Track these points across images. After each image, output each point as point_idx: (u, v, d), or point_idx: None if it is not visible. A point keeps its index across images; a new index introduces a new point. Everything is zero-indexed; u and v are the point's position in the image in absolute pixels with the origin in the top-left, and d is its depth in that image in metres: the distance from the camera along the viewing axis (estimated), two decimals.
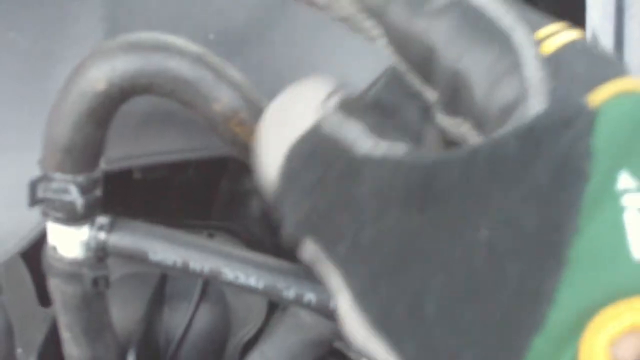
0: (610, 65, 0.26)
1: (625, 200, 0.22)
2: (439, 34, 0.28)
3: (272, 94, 0.44)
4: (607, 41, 0.79)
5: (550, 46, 0.26)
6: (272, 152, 0.28)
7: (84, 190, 0.44)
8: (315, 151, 0.26)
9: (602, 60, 0.26)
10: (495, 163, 0.24)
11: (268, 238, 0.67)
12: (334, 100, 0.28)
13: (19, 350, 0.61)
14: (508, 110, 0.26)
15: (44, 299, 0.59)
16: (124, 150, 0.52)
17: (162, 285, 0.63)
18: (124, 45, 0.41)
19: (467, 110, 0.28)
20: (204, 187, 0.71)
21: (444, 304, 0.23)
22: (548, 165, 0.23)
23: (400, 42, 0.29)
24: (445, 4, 0.28)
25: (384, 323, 0.24)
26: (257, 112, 0.41)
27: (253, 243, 0.66)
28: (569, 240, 0.22)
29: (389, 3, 0.29)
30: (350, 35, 0.35)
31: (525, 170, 0.23)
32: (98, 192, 0.45)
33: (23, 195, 0.45)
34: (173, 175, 0.71)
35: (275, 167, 0.27)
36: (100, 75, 0.41)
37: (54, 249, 0.47)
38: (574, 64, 0.26)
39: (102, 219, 0.46)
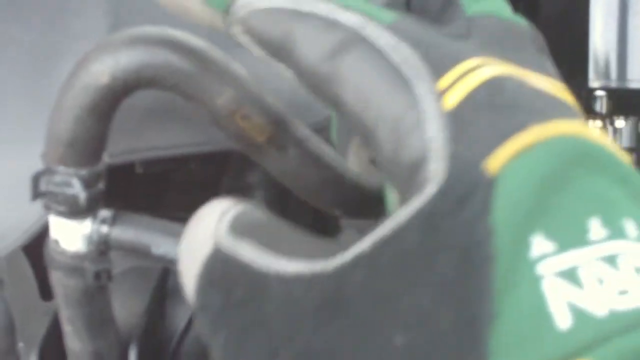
0: (517, 114, 0.24)
1: (541, 268, 0.21)
2: (344, 82, 0.26)
3: (274, 88, 0.44)
4: (610, 37, 0.79)
5: (454, 96, 0.24)
6: (187, 285, 0.28)
7: (87, 183, 0.44)
8: (215, 277, 0.26)
9: (508, 109, 0.24)
10: (399, 258, 0.22)
11: None
12: (227, 221, 0.27)
13: (20, 345, 0.61)
14: (415, 170, 0.24)
15: (46, 293, 0.59)
16: (127, 145, 0.52)
17: (165, 280, 0.63)
18: (127, 39, 0.41)
19: (379, 162, 0.26)
20: (206, 182, 0.71)
21: None
22: (450, 254, 0.21)
23: (310, 86, 0.28)
24: (344, 42, 0.26)
25: None
26: (260, 106, 0.41)
27: None
28: (487, 329, 0.21)
29: (293, 48, 0.28)
30: None
31: (429, 263, 0.22)
32: (101, 186, 0.45)
33: (26, 188, 0.45)
34: (175, 170, 0.71)
35: (192, 298, 0.27)
36: (103, 69, 0.41)
37: (56, 242, 0.47)
38: (476, 120, 0.24)
39: (104, 213, 0.46)
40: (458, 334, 0.21)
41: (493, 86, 0.24)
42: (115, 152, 0.50)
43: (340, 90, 0.26)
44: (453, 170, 0.23)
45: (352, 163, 0.38)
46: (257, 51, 0.29)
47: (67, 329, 0.49)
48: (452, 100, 0.24)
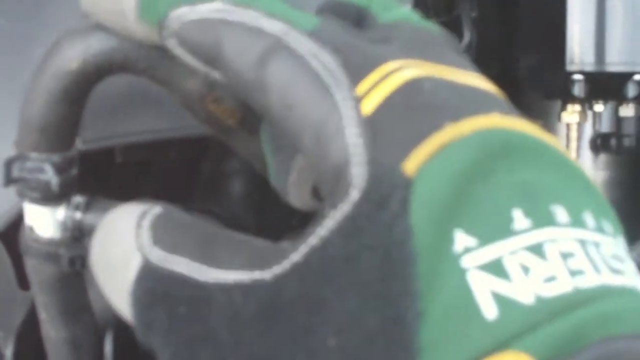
0: (433, 114, 0.24)
1: (465, 262, 0.21)
2: (269, 89, 0.27)
3: None
4: (588, 20, 0.79)
5: (372, 101, 0.25)
6: (116, 301, 0.27)
7: (60, 169, 0.44)
8: (156, 294, 0.26)
9: (424, 110, 0.24)
10: (326, 265, 0.23)
11: (250, 219, 0.67)
12: (146, 229, 0.27)
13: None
14: (338, 174, 0.24)
15: (24, 282, 0.59)
16: (101, 131, 0.51)
17: None
18: (98, 24, 0.41)
19: (310, 168, 0.27)
20: (185, 170, 0.71)
21: None
22: (372, 256, 0.22)
23: (241, 93, 0.28)
24: (268, 49, 0.27)
25: None
26: None
27: (235, 224, 0.66)
28: (415, 326, 0.21)
29: (222, 57, 0.28)
30: None
31: (352, 267, 0.22)
32: (74, 172, 0.45)
33: None
34: (154, 158, 0.71)
35: (126, 312, 0.27)
36: (74, 54, 0.41)
37: (31, 229, 0.46)
38: (393, 124, 0.24)
39: (78, 199, 0.46)
40: (386, 333, 0.21)
41: (410, 88, 0.25)
42: (90, 138, 0.50)
43: (266, 97, 0.27)
44: (373, 174, 0.23)
45: (293, 199, 0.38)
46: (192, 61, 0.30)
47: (43, 316, 0.49)
48: (370, 105, 0.25)
